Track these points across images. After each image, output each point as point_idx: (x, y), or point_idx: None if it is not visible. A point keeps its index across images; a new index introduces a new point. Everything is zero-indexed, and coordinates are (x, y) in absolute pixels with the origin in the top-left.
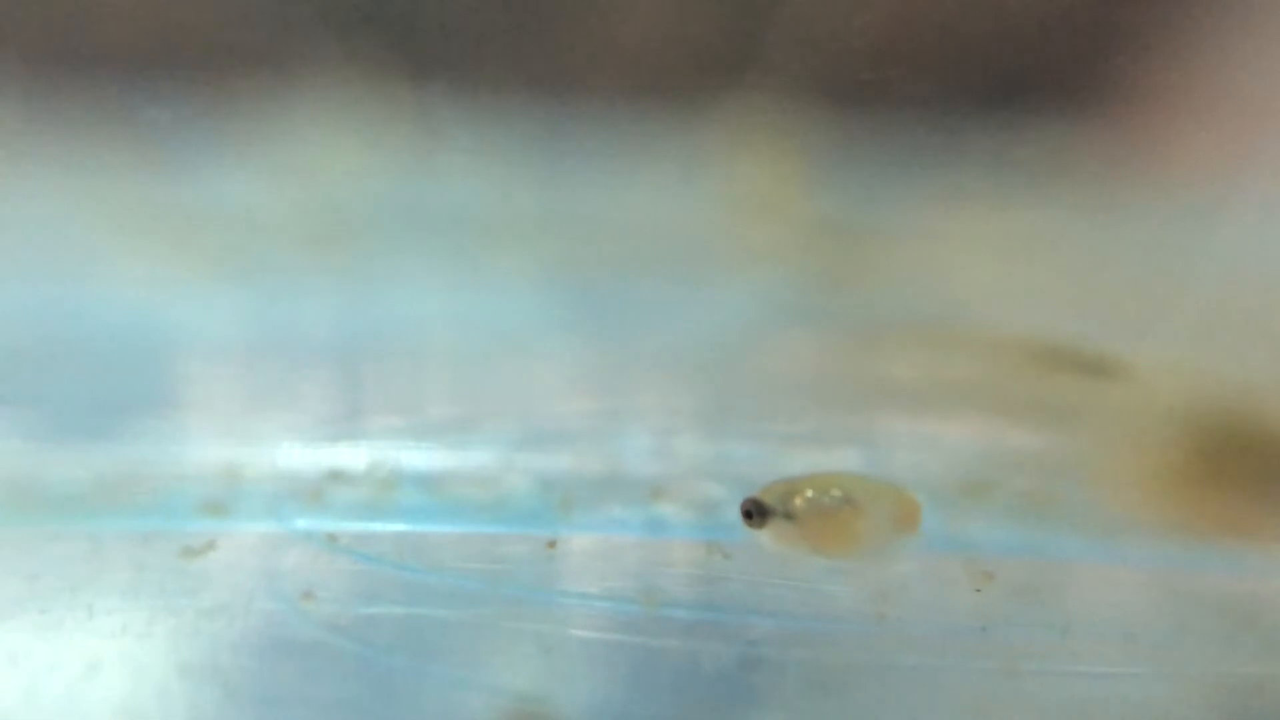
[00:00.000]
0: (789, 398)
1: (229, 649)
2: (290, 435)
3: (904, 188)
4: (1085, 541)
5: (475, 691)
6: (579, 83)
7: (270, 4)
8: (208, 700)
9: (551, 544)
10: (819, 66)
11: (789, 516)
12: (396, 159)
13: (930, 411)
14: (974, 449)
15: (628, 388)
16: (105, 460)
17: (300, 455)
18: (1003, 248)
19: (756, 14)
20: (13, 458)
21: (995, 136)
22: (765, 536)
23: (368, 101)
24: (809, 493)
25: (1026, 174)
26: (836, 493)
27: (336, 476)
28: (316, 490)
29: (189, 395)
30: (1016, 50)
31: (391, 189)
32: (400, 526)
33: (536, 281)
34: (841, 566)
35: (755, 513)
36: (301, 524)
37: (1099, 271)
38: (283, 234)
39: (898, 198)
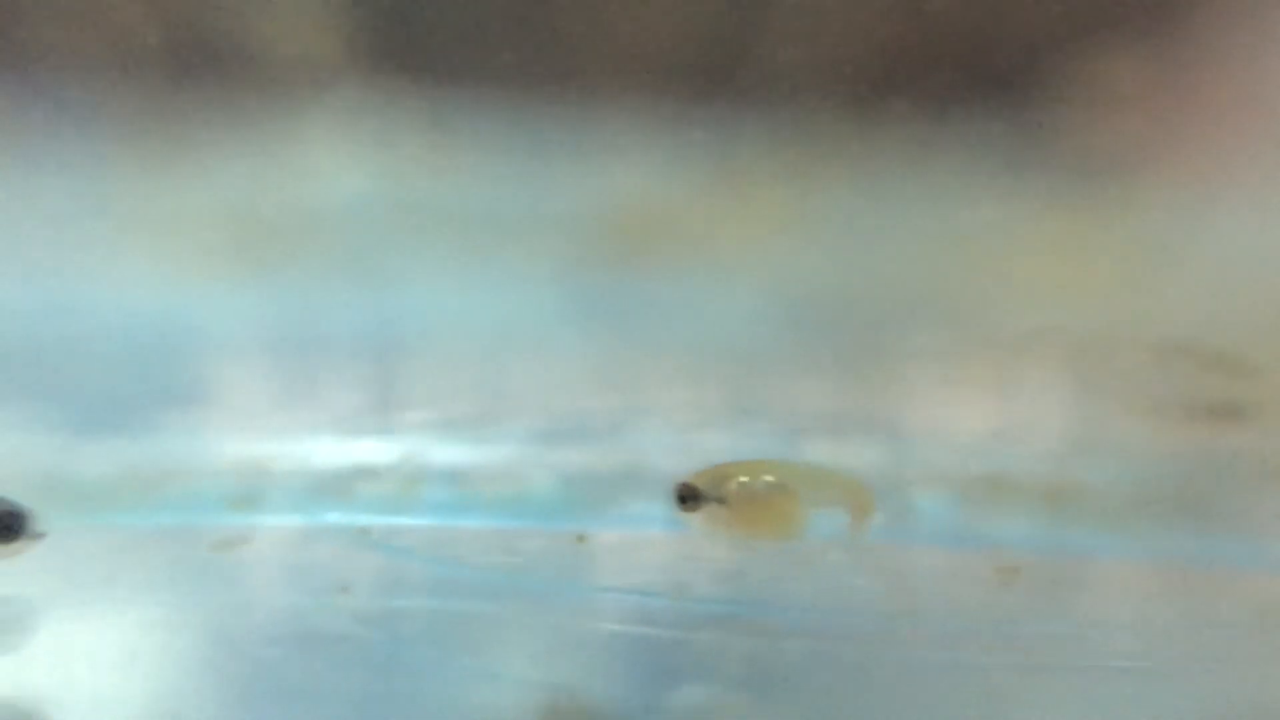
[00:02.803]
0: (809, 391)
1: (263, 641)
2: (318, 431)
3: (919, 184)
4: (1110, 537)
5: (507, 684)
6: (591, 80)
7: (286, 12)
8: (242, 691)
9: (581, 538)
10: (829, 64)
11: (721, 501)
12: (412, 158)
13: (952, 405)
14: (995, 443)
15: (650, 383)
16: (138, 455)
17: (329, 451)
18: (1015, 242)
19: (767, 12)
20: (44, 452)
21: (994, 131)
22: (698, 520)
23: (379, 103)
24: (742, 478)
25: (1026, 169)
26: (769, 478)
27: (367, 472)
28: (346, 485)
29: (217, 391)
30: (1014, 49)
31: (408, 188)
32: (431, 521)
33: (554, 277)
34: (869, 562)
35: (688, 497)
36: (333, 518)
37: (1108, 265)
38: (308, 233)
39: (912, 194)
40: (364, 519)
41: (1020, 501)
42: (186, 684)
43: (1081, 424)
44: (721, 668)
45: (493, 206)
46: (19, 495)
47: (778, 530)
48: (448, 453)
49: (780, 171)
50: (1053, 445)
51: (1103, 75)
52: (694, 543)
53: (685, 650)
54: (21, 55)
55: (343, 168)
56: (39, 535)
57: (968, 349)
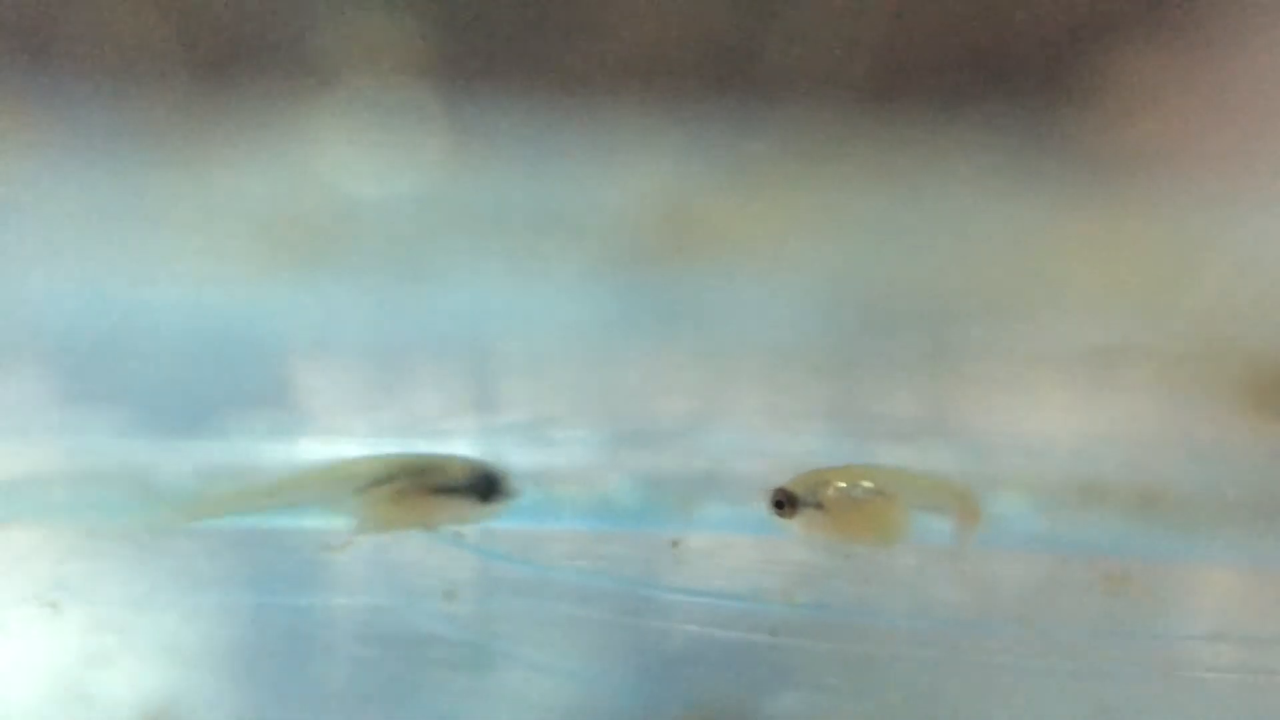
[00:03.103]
0: (883, 394)
1: (358, 641)
2: (399, 434)
3: (945, 183)
4: (1209, 544)
5: (607, 689)
6: (611, 78)
7: (313, 14)
8: (338, 693)
9: (676, 543)
10: (848, 63)
11: (819, 506)
12: (439, 159)
13: (1028, 408)
14: (1078, 447)
15: (722, 386)
16: (224, 457)
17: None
18: (1059, 242)
19: (786, 10)
20: (130, 454)
21: (1020, 129)
22: (795, 526)
23: (405, 103)
24: (840, 483)
25: (1054, 167)
26: (868, 484)
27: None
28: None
29: (293, 393)
30: (1032, 47)
31: (441, 188)
32: (523, 525)
33: (603, 278)
34: (968, 569)
35: (786, 502)
36: None
37: (1160, 265)
38: (357, 235)
39: (939, 193)
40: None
41: (1115, 507)
42: (287, 683)
43: (1167, 427)
44: (818, 674)
45: (529, 207)
46: (110, 496)
47: (878, 536)
48: (530, 456)
49: (805, 170)
50: (1138, 450)
51: (1122, 73)
52: (787, 548)
53: (780, 656)
54: (65, 57)
55: (377, 168)
56: (515, 494)
57: (1034, 350)
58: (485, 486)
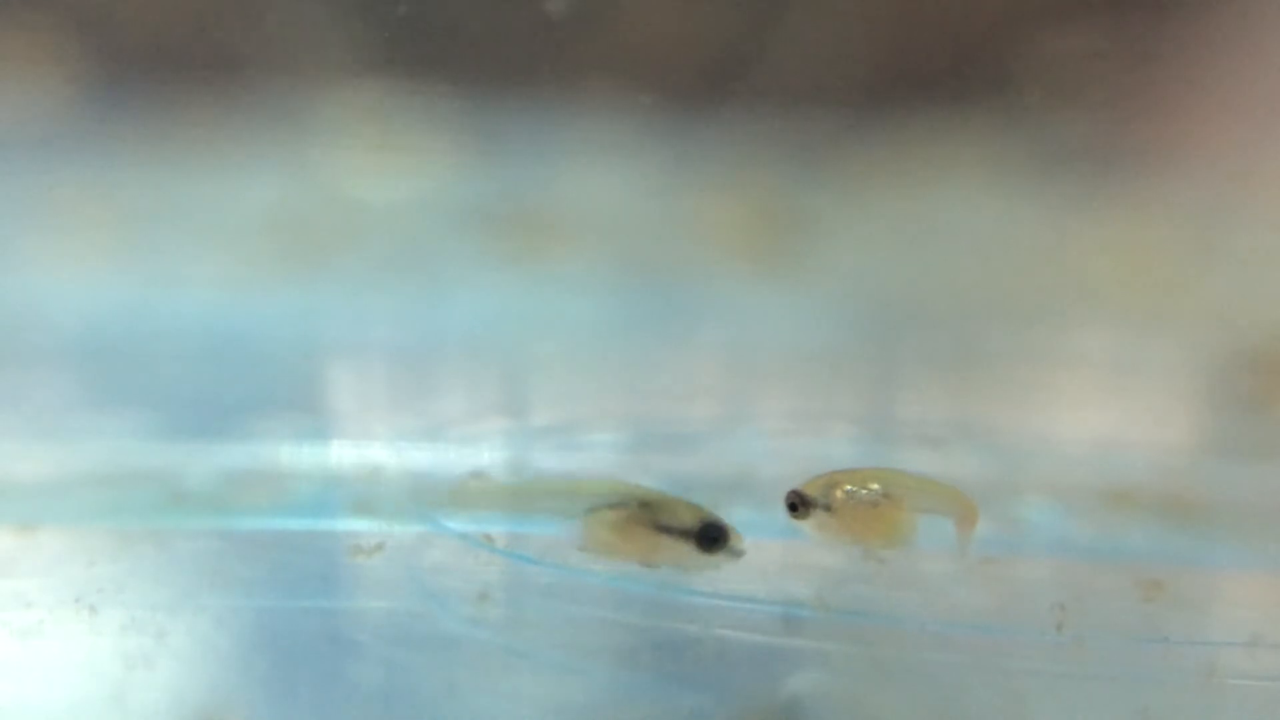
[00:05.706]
0: (903, 398)
1: (390, 644)
2: (423, 437)
3: (945, 186)
4: (1240, 550)
5: (636, 692)
6: (612, 81)
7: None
8: (371, 695)
9: None
10: (845, 66)
11: (828, 508)
12: (442, 160)
13: (1051, 411)
14: (1116, 451)
15: (740, 390)
16: (248, 460)
17: (438, 457)
18: (1067, 242)
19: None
20: (155, 457)
21: (1016, 130)
22: (808, 527)
23: (408, 104)
24: (848, 486)
25: (1054, 169)
26: (875, 487)
27: (479, 479)
28: (460, 491)
29: (318, 396)
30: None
31: (446, 190)
32: (549, 529)
33: (614, 281)
34: (994, 573)
35: (799, 504)
36: (452, 524)
37: (1171, 264)
38: (399, 236)
39: (940, 195)
40: (483, 526)
41: (1145, 512)
42: (323, 688)
43: (1197, 431)
44: (847, 678)
45: (534, 208)
46: (138, 499)
47: (884, 538)
48: (556, 460)
49: (820, 172)
50: (1166, 454)
51: (1127, 73)
52: (815, 552)
53: (809, 660)
54: (89, 62)
55: (393, 170)
56: (739, 553)
57: (1059, 353)
58: (709, 536)
